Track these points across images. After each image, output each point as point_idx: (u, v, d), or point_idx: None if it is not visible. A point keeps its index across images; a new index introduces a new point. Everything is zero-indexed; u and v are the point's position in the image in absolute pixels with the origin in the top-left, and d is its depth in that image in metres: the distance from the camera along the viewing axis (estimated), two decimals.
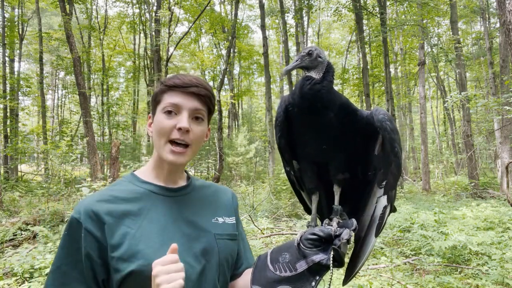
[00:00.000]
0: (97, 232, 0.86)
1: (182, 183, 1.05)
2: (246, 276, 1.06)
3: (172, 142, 0.94)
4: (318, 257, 0.85)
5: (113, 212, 0.88)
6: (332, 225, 0.89)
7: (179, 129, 0.93)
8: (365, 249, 0.96)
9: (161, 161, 0.99)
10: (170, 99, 0.95)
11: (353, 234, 0.87)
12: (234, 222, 1.08)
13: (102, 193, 0.94)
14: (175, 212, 0.96)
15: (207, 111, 1.01)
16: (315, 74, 0.95)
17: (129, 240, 0.86)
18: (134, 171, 1.04)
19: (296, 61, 0.96)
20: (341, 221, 0.92)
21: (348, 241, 0.85)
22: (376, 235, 0.95)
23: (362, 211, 1.02)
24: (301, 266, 0.87)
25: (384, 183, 0.96)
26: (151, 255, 0.84)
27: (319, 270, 0.86)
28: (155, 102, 0.99)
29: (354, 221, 0.89)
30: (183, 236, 0.92)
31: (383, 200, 0.96)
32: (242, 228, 1.16)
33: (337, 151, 0.99)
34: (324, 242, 0.86)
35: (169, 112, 0.94)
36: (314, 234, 0.87)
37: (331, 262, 0.84)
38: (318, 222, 1.05)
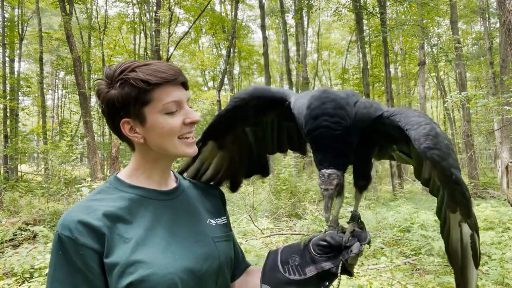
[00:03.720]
0: (96, 246, 0.79)
1: (172, 183, 0.99)
2: (248, 276, 1.05)
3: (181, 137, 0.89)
4: (328, 264, 0.84)
5: (106, 221, 0.81)
6: (345, 233, 0.87)
7: (191, 123, 0.89)
8: (470, 282, 0.86)
9: (156, 161, 0.92)
10: (168, 97, 0.85)
11: (363, 248, 0.84)
12: (226, 221, 1.04)
13: (88, 202, 0.85)
14: (169, 216, 0.90)
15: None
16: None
17: (124, 251, 0.79)
18: (117, 174, 0.95)
19: (328, 201, 0.86)
20: (356, 229, 0.88)
21: (357, 254, 0.83)
22: (476, 266, 0.85)
23: (445, 234, 0.89)
24: (311, 271, 0.86)
25: (457, 210, 0.82)
26: (152, 263, 0.80)
27: (328, 276, 0.85)
28: (138, 103, 0.84)
29: (368, 234, 0.86)
30: (182, 240, 0.88)
31: (467, 228, 0.83)
32: (230, 223, 1.11)
33: (360, 162, 0.95)
34: (334, 249, 0.85)
35: (171, 113, 0.86)
36: (325, 240, 0.85)
37: (340, 271, 0.83)
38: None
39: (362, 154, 0.95)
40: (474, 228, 0.83)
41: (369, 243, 0.85)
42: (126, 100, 0.84)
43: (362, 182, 0.99)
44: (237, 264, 1.06)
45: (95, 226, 0.79)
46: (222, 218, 1.03)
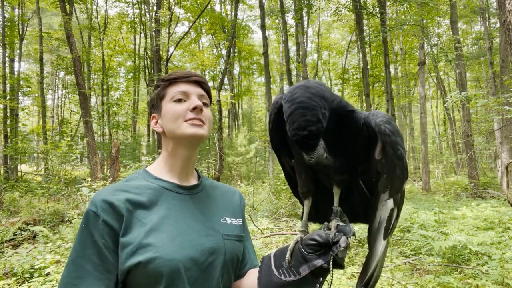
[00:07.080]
0: (114, 224, 0.88)
1: (194, 181, 1.07)
2: (251, 277, 1.08)
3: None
4: (319, 261, 0.87)
5: (128, 205, 0.91)
6: (330, 230, 0.89)
7: (194, 108, 0.98)
8: (375, 252, 0.93)
9: (175, 152, 1.02)
10: (177, 89, 1.01)
11: (350, 240, 0.87)
12: (241, 223, 1.10)
13: (117, 186, 0.96)
14: (186, 209, 0.98)
15: (208, 100, 1.07)
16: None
17: (139, 234, 0.88)
18: (146, 167, 1.07)
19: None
20: (340, 223, 0.91)
21: (345, 247, 0.85)
22: (385, 237, 0.92)
23: (372, 217, 0.98)
24: (304, 270, 0.89)
25: (388, 187, 0.92)
26: (160, 248, 0.87)
27: (321, 273, 0.88)
28: (159, 98, 1.04)
29: (352, 226, 0.89)
30: (193, 232, 0.94)
31: (389, 203, 0.93)
32: (247, 228, 1.17)
33: (335, 155, 0.94)
34: (324, 246, 0.88)
35: (179, 100, 1.00)
36: (313, 239, 0.88)
37: (331, 266, 0.86)
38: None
39: (339, 145, 0.94)
40: (397, 203, 0.92)
41: (353, 235, 0.88)
42: (153, 98, 1.06)
43: (339, 176, 1.00)
44: (242, 265, 1.10)
45: (116, 207, 0.90)
46: (238, 219, 1.09)
